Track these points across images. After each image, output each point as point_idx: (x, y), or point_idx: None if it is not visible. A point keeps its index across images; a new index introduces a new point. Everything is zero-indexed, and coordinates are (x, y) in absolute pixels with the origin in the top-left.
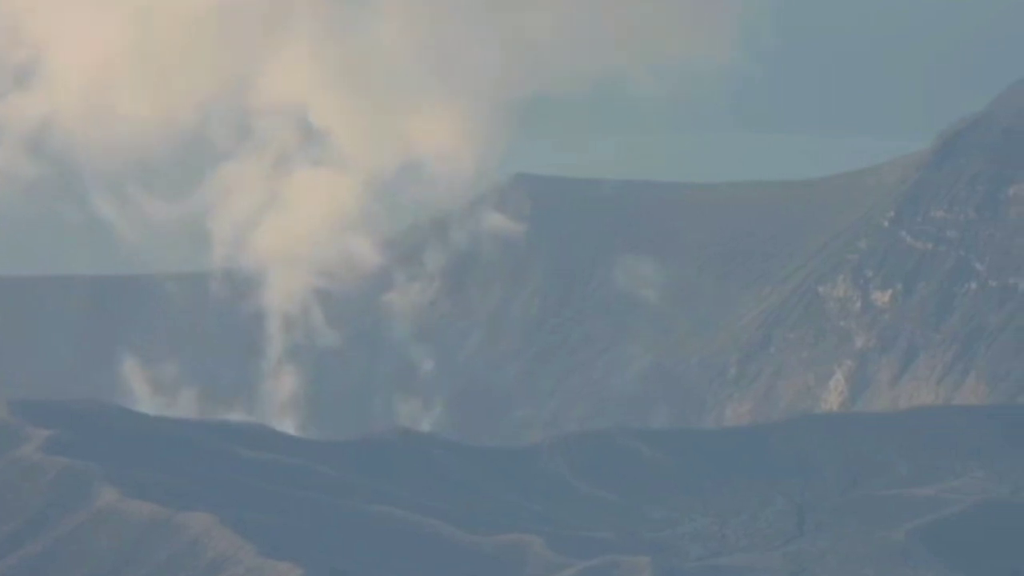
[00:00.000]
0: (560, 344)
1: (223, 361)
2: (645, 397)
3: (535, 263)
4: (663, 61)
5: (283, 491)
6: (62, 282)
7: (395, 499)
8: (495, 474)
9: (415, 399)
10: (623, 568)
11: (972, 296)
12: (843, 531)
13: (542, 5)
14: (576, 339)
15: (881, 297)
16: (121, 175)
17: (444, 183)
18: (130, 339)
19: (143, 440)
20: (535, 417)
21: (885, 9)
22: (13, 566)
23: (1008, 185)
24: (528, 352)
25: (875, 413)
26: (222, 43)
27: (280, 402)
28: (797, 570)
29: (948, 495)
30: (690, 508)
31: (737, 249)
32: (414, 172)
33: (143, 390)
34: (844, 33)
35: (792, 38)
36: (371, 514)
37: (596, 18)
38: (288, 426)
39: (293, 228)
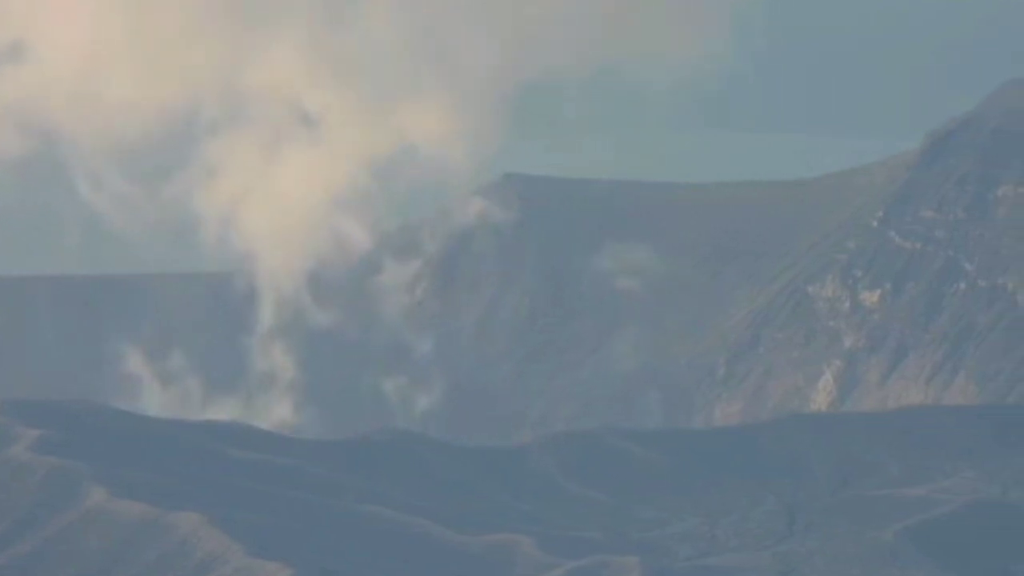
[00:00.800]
0: (549, 344)
1: (220, 351)
2: (634, 397)
3: (525, 263)
4: (652, 61)
5: (272, 491)
6: (53, 282)
7: (384, 499)
8: (484, 474)
9: (407, 388)
10: (612, 568)
11: (961, 296)
12: (833, 531)
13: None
14: (565, 339)
15: (870, 297)
16: (112, 160)
17: (437, 170)
18: (126, 336)
19: (132, 440)
20: (524, 416)
21: (875, 10)
22: (2, 566)
23: (997, 185)
24: (518, 352)
25: (865, 413)
26: (216, 29)
27: (278, 388)
28: (786, 570)
29: (938, 495)
30: (680, 508)
31: (726, 249)
32: (407, 159)
33: (141, 385)
34: (834, 33)
35: (781, 38)
36: (360, 514)
37: (585, 17)
38: (286, 408)
39: (284, 212)
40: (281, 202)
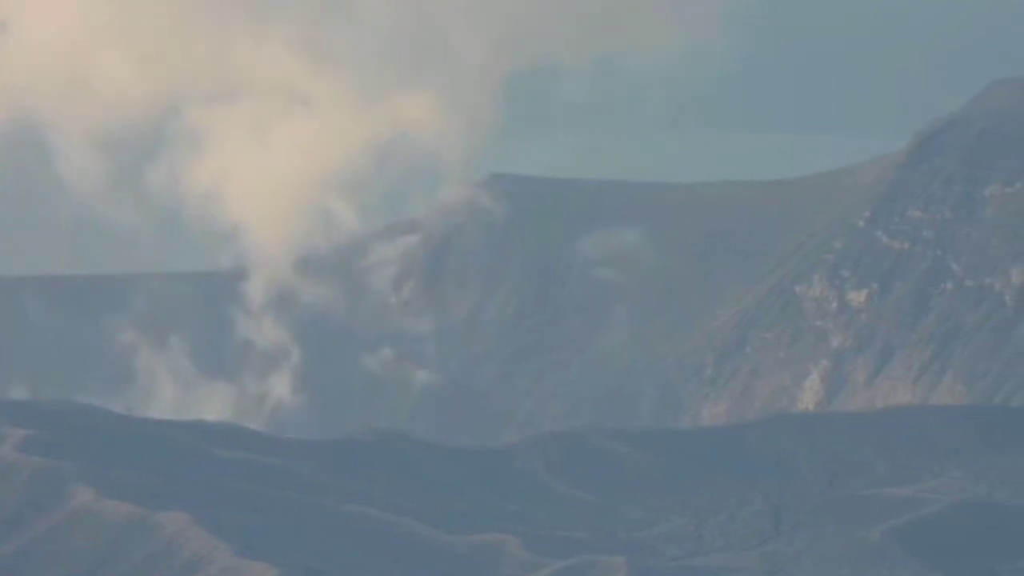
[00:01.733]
0: (536, 344)
1: (215, 337)
2: (621, 397)
3: (511, 262)
4: (640, 60)
5: (259, 491)
6: (43, 279)
7: (371, 499)
8: (471, 474)
9: (399, 375)
10: (599, 568)
11: (948, 296)
12: (820, 531)
13: None
14: (552, 339)
15: (857, 297)
16: (98, 144)
17: (426, 160)
18: (120, 329)
19: (119, 440)
20: (511, 416)
21: (862, 10)
22: None
23: (984, 185)
24: (504, 352)
25: (852, 413)
26: (210, 16)
27: (274, 371)
28: (773, 570)
29: (925, 495)
30: (667, 508)
31: (713, 249)
32: (397, 148)
33: (139, 376)
34: (821, 33)
35: (769, 38)
36: (347, 514)
37: (575, 15)
38: (285, 388)
39: (274, 197)
40: (271, 187)
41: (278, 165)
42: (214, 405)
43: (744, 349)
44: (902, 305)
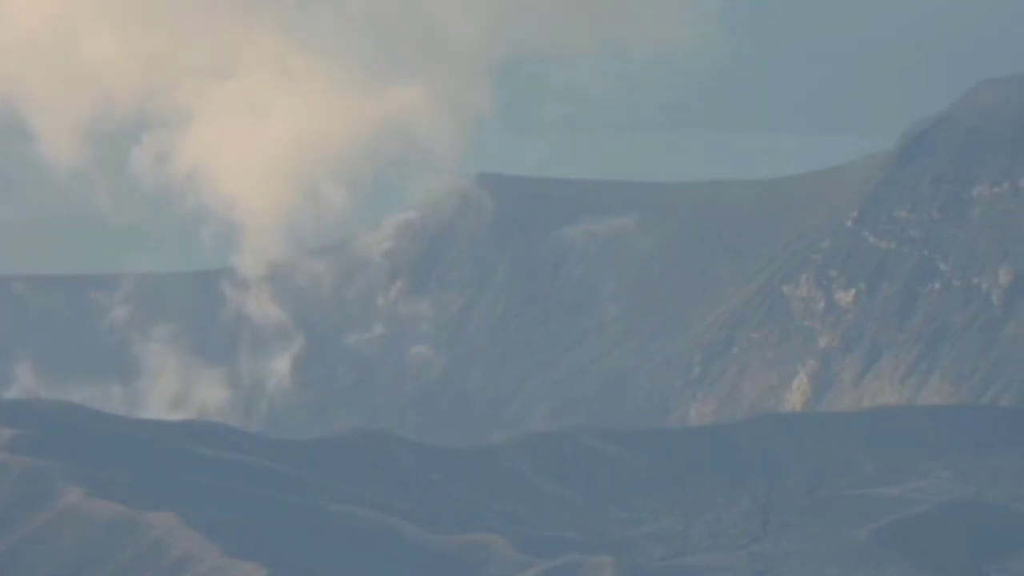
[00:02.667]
0: (525, 344)
1: (211, 323)
2: (609, 397)
3: (499, 263)
4: (629, 60)
5: (247, 491)
6: (40, 276)
7: (359, 499)
8: (459, 474)
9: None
10: (586, 568)
11: (936, 296)
12: (808, 531)
13: None
14: (541, 339)
15: (844, 297)
16: (96, 133)
17: (413, 154)
18: (116, 321)
19: (107, 440)
20: (499, 416)
21: (851, 9)
22: None
23: (972, 186)
24: (493, 351)
25: (839, 413)
26: (200, 4)
27: (273, 354)
28: (762, 570)
29: (913, 495)
30: (654, 508)
31: (701, 249)
32: (384, 142)
33: (139, 366)
34: (809, 33)
35: (758, 38)
36: (335, 514)
37: (564, 15)
38: (285, 365)
39: (262, 188)
40: (260, 178)
41: (267, 157)
42: (211, 389)
43: (732, 349)
44: (890, 305)
